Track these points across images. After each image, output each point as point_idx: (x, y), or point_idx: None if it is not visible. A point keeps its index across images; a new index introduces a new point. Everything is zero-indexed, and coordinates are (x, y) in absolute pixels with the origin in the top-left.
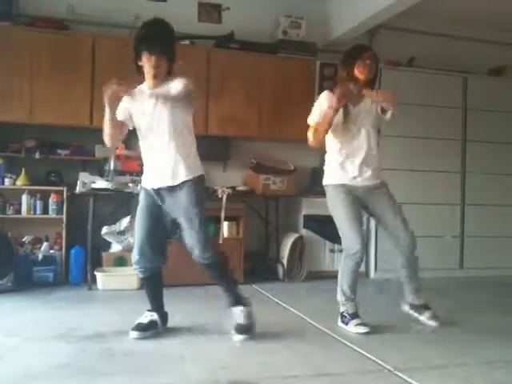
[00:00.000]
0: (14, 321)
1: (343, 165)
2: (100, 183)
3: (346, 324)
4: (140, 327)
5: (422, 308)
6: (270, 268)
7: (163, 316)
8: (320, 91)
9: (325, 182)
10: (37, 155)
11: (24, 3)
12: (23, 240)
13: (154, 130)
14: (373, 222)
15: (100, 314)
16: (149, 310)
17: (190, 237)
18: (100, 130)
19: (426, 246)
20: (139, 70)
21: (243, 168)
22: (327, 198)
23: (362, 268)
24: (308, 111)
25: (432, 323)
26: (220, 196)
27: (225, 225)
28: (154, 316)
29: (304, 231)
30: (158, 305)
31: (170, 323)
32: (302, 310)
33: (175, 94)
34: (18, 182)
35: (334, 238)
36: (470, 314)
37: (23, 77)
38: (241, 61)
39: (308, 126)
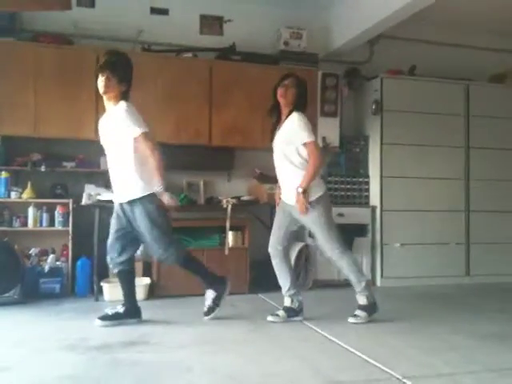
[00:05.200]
0: (22, 332)
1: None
2: (105, 195)
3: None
4: (104, 317)
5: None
6: (275, 277)
7: (134, 309)
8: (322, 101)
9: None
10: (42, 168)
11: (27, 19)
12: (30, 252)
13: None
14: (379, 233)
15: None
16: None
17: None
18: None
19: (432, 253)
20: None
21: (247, 178)
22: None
23: (369, 276)
24: (310, 121)
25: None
26: (225, 206)
27: (230, 234)
28: (121, 309)
29: (310, 240)
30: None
31: (178, 333)
32: (308, 318)
33: None
34: (25, 195)
35: None
36: (476, 321)
37: (28, 91)
38: (243, 72)
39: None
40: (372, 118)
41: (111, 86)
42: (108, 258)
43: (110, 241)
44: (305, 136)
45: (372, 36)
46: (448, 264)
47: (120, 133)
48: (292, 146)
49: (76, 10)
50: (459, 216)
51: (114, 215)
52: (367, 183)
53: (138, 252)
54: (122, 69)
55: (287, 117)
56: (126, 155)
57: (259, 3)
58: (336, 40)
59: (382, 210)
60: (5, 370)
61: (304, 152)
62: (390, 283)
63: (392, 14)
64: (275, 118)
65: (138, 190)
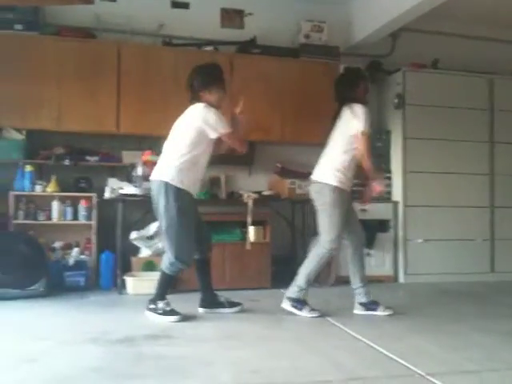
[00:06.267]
0: (47, 325)
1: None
2: (128, 189)
3: (300, 310)
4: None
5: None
6: (297, 272)
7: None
8: None
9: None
10: (66, 162)
11: (50, 13)
12: (54, 246)
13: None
14: (401, 229)
15: (130, 318)
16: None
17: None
18: (126, 136)
19: (457, 249)
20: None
21: (268, 172)
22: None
23: (391, 272)
24: (331, 115)
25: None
26: (246, 201)
27: (251, 229)
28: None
29: None
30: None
31: (200, 328)
32: (331, 314)
33: None
34: (49, 189)
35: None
36: (500, 318)
37: (51, 85)
38: (263, 65)
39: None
40: (394, 112)
41: None
42: (188, 257)
43: (192, 238)
44: None
45: (394, 29)
46: (472, 260)
47: None
48: None
49: (98, 3)
50: (484, 212)
51: (193, 210)
52: (389, 178)
53: (160, 245)
54: None
55: None
56: None
57: None
58: (358, 33)
59: (404, 206)
60: (30, 362)
61: None
62: (413, 279)
63: (414, 6)
64: None
65: None
